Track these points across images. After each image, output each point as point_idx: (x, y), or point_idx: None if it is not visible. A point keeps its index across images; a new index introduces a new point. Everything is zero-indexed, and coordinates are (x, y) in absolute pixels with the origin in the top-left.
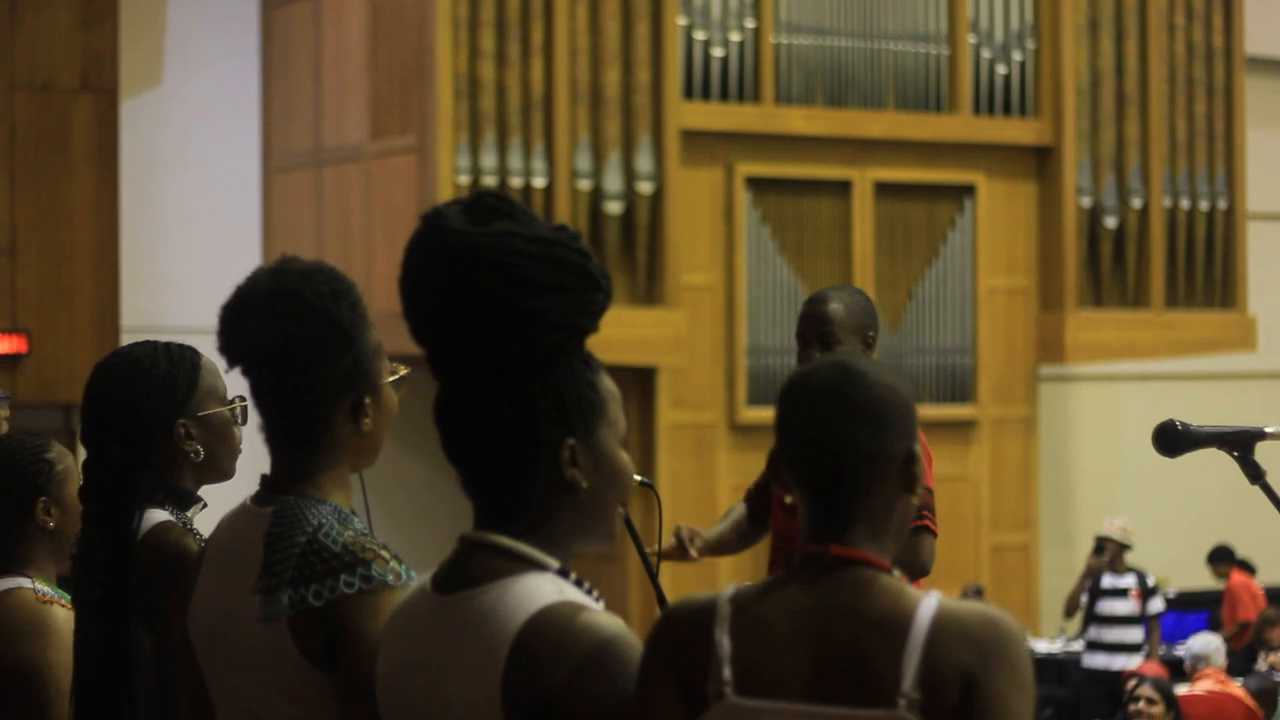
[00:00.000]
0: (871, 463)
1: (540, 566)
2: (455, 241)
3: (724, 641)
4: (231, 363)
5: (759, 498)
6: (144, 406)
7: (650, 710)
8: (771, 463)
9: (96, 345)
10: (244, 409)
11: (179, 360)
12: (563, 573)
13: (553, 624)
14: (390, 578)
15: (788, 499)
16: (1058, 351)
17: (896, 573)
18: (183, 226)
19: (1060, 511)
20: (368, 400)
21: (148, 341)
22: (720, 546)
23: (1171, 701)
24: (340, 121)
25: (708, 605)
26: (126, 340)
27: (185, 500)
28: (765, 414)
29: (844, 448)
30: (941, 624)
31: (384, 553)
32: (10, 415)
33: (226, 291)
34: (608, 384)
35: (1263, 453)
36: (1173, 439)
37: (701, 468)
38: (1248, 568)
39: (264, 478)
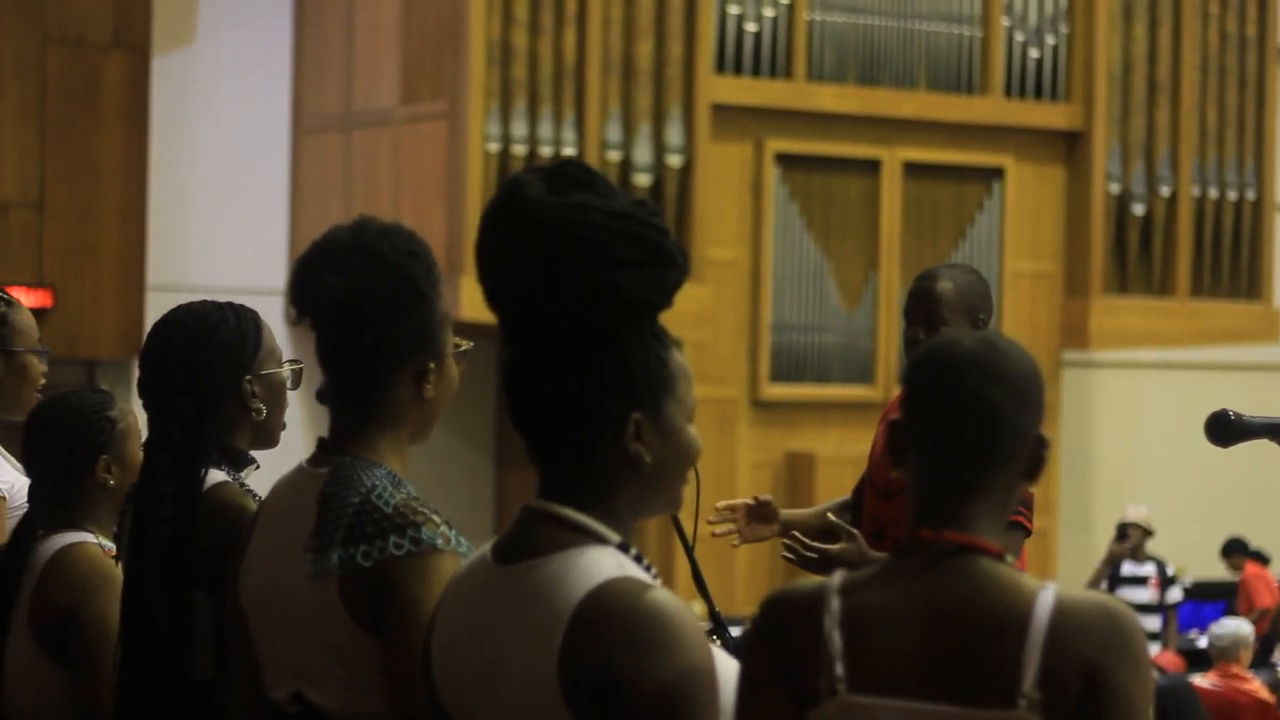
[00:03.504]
0: (1012, 437)
1: (602, 540)
2: (533, 210)
3: (835, 636)
4: (303, 314)
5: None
6: (216, 362)
7: (758, 702)
8: (890, 434)
9: (121, 302)
10: (298, 372)
11: (245, 318)
12: (623, 547)
13: (615, 599)
14: (440, 541)
15: (893, 474)
16: (1082, 337)
17: (1010, 559)
18: (210, 185)
19: (1080, 497)
20: (432, 366)
21: (207, 300)
22: (798, 525)
23: None
24: (371, 85)
25: (816, 596)
26: (152, 298)
27: (240, 460)
28: (787, 390)
29: (991, 416)
30: (1061, 620)
31: (435, 517)
32: (46, 371)
33: (253, 251)
34: (679, 360)
35: None
36: (1226, 429)
37: (723, 443)
38: (1262, 559)
39: (321, 440)
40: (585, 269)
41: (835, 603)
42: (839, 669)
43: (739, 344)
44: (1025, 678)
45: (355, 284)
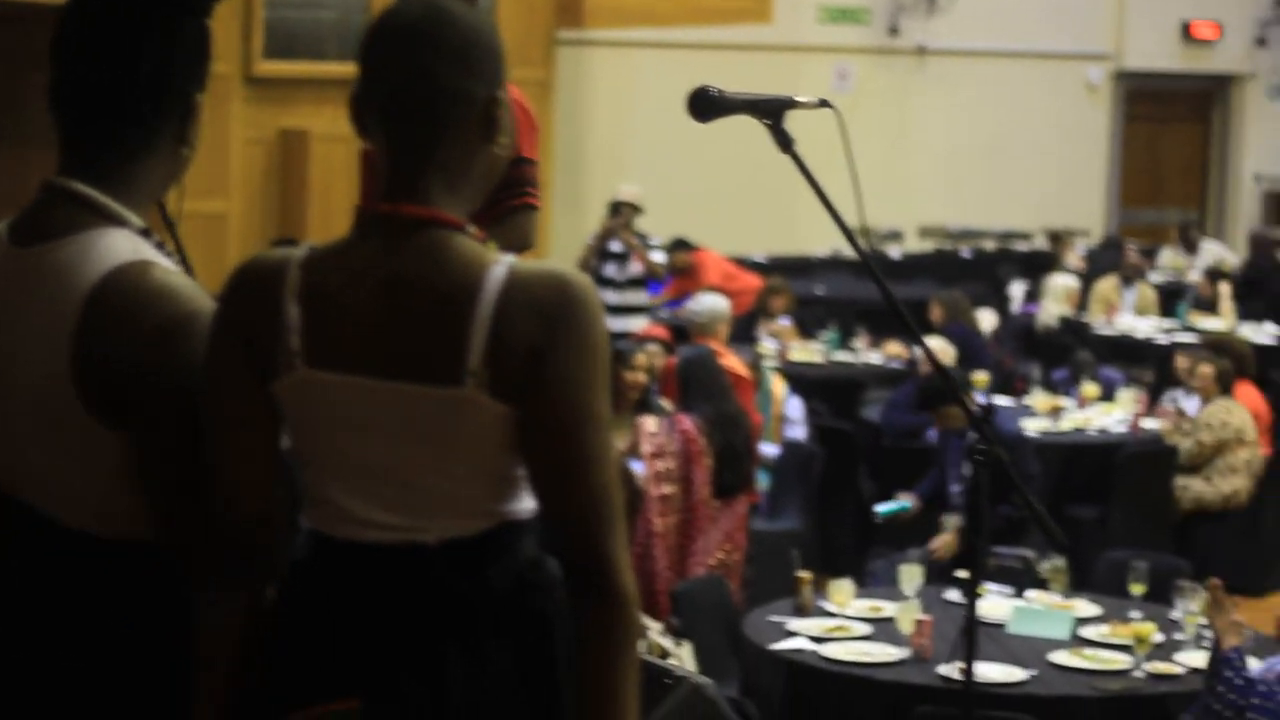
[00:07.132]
0: (452, 101)
1: (121, 222)
2: None
3: (292, 309)
4: None
5: None
6: None
7: (218, 373)
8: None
9: None
10: None
11: None
12: (145, 232)
13: (125, 284)
14: None
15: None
16: (577, 16)
17: (471, 229)
18: None
19: (573, 176)
20: None
21: None
22: None
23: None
24: None
25: (277, 267)
26: None
27: None
28: (281, 67)
29: (430, 88)
30: (509, 295)
31: None
32: None
33: None
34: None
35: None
36: (706, 104)
37: (216, 120)
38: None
39: None
40: None
41: (295, 275)
42: (295, 343)
43: (231, 20)
44: (471, 354)
45: None
